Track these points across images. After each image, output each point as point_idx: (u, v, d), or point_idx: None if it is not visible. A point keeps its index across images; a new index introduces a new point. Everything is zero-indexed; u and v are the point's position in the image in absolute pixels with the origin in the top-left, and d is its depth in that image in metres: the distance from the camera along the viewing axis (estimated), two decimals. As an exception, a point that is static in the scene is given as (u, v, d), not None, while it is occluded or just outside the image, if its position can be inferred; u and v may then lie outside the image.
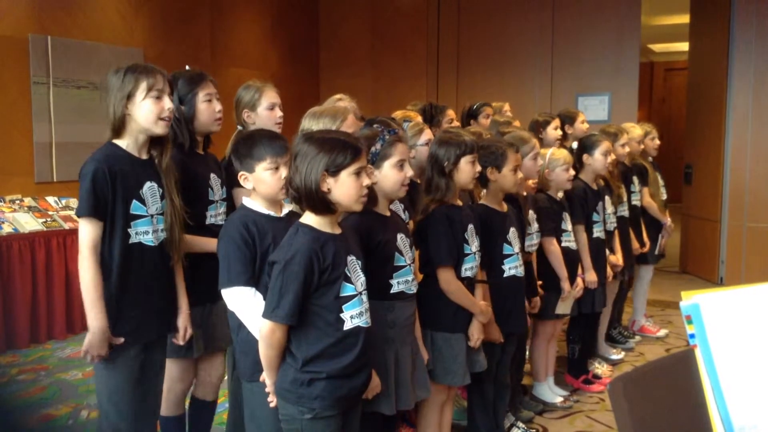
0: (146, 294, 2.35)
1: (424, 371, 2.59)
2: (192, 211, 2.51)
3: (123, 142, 2.33)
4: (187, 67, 2.76)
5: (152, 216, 2.34)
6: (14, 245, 4.72)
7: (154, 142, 2.37)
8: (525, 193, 3.41)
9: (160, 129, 2.31)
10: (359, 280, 2.08)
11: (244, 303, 2.19)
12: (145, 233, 2.33)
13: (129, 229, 2.29)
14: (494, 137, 3.45)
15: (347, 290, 2.03)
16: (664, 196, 5.12)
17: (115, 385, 2.31)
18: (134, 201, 2.30)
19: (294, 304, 1.96)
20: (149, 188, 2.34)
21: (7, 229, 4.80)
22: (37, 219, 5.03)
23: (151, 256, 2.34)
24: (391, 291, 2.39)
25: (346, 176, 2.01)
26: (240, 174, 2.28)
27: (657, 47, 12.28)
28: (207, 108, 2.66)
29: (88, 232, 2.23)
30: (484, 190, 3.21)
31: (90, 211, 2.22)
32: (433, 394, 2.78)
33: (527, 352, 3.96)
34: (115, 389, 2.31)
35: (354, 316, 2.05)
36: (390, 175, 2.37)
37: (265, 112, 2.93)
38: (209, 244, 2.59)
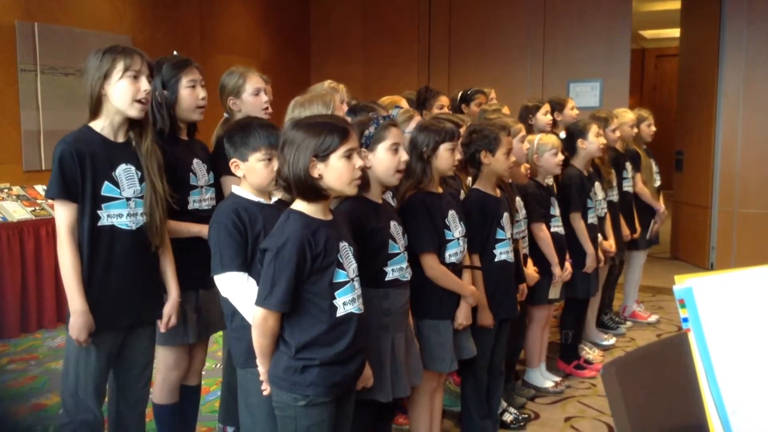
0: (119, 278, 2.31)
1: (418, 358, 2.59)
2: (173, 197, 2.48)
3: (98, 125, 2.30)
4: (174, 53, 2.73)
5: (128, 199, 2.31)
6: (3, 234, 4.69)
7: (132, 124, 2.34)
8: (510, 181, 3.41)
9: (134, 111, 2.28)
10: (351, 266, 2.06)
11: (237, 289, 2.18)
12: (118, 216, 2.29)
13: (99, 211, 2.26)
14: (487, 121, 3.44)
15: (340, 276, 2.02)
16: (658, 183, 5.12)
17: (85, 367, 2.30)
18: (106, 183, 2.27)
19: (286, 291, 1.94)
20: (124, 170, 2.31)
21: (-5, 218, 4.76)
22: (25, 208, 4.99)
23: (126, 239, 2.31)
24: (386, 279, 2.39)
25: (336, 159, 1.98)
26: (232, 161, 2.27)
27: (648, 33, 12.28)
28: (190, 95, 2.62)
29: (63, 215, 2.22)
30: (470, 177, 3.21)
31: (60, 193, 2.20)
32: (424, 381, 2.78)
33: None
34: (84, 370, 2.30)
35: (347, 302, 2.04)
36: (384, 159, 2.35)
37: (251, 98, 2.89)
38: (191, 228, 2.58)
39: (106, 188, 2.27)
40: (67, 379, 2.33)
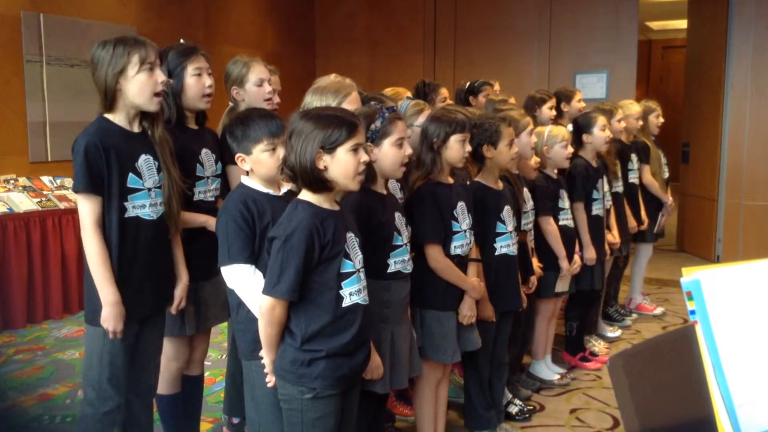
0: (143, 269, 2.32)
1: (416, 349, 2.60)
2: (186, 183, 2.47)
3: (114, 117, 2.29)
4: (181, 41, 2.71)
5: (150, 189, 2.31)
6: (9, 225, 4.70)
7: (144, 114, 2.33)
8: (517, 172, 3.40)
9: (153, 106, 2.28)
10: (357, 257, 2.07)
11: (243, 280, 2.18)
12: (142, 207, 2.30)
13: (125, 203, 2.26)
14: (487, 114, 3.42)
15: (347, 267, 2.02)
16: (666, 175, 5.11)
17: (109, 358, 2.30)
18: (130, 174, 2.27)
19: (295, 279, 1.94)
20: (144, 161, 2.31)
21: (1, 209, 4.77)
22: (32, 199, 5.00)
23: (148, 230, 2.32)
24: (388, 270, 2.39)
25: (342, 153, 1.98)
26: (237, 156, 2.26)
27: (654, 24, 12.19)
28: (196, 83, 2.60)
29: (88, 208, 2.21)
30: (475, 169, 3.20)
31: (87, 186, 2.19)
32: (428, 372, 2.79)
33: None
34: (108, 361, 2.30)
35: (353, 293, 2.04)
36: (390, 154, 2.36)
37: (254, 88, 2.87)
38: (197, 218, 2.57)
39: (131, 180, 2.27)
40: (91, 371, 2.34)
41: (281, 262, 1.94)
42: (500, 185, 3.12)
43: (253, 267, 2.18)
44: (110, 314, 2.21)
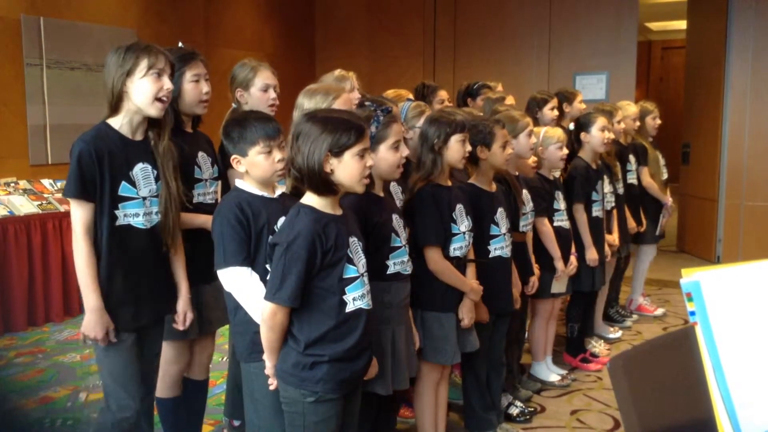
0: (137, 277, 2.32)
1: (413, 350, 2.60)
2: (187, 195, 2.46)
3: (117, 122, 2.29)
4: (180, 44, 2.71)
5: (144, 198, 2.31)
6: (10, 228, 4.70)
7: (152, 124, 2.33)
8: (517, 173, 3.39)
9: (154, 110, 2.26)
10: (361, 261, 2.07)
11: (240, 283, 2.18)
12: (135, 215, 2.29)
13: (116, 211, 2.25)
14: (480, 115, 3.42)
15: (350, 272, 2.02)
16: (665, 176, 5.11)
17: (117, 368, 2.31)
18: (123, 182, 2.26)
19: (297, 286, 1.94)
20: (141, 170, 2.30)
21: (2, 212, 4.78)
22: (32, 202, 5.01)
23: (141, 239, 2.30)
24: (388, 272, 2.40)
25: (349, 157, 1.99)
26: (233, 158, 2.26)
27: (654, 26, 12.20)
28: (193, 89, 2.60)
29: (79, 213, 2.22)
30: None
31: (78, 192, 2.20)
32: (428, 373, 2.80)
33: (526, 332, 3.97)
34: (117, 371, 2.31)
35: (356, 298, 2.04)
36: (386, 158, 2.36)
37: (258, 93, 2.87)
38: (195, 219, 2.57)
39: (123, 188, 2.27)
40: (104, 381, 2.35)
41: (283, 269, 1.94)
42: (494, 187, 3.12)
43: (249, 269, 2.18)
44: (90, 321, 2.21)
